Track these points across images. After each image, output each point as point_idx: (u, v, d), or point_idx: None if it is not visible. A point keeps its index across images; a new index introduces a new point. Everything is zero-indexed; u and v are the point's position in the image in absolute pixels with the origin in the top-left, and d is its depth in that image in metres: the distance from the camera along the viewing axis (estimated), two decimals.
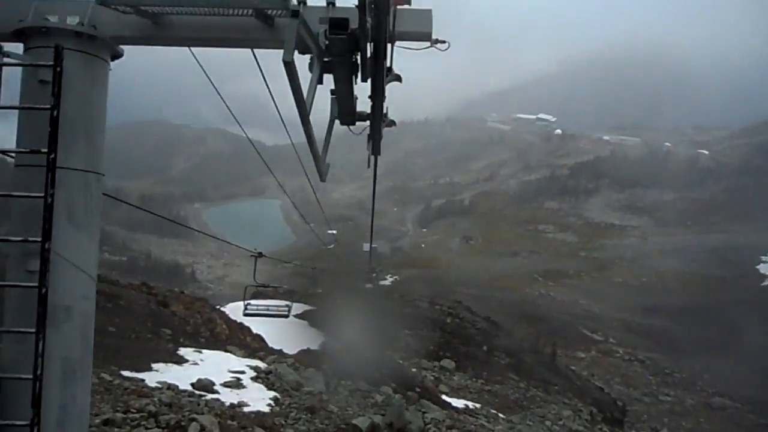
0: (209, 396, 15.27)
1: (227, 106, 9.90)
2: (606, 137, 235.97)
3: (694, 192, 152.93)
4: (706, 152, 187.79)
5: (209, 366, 18.59)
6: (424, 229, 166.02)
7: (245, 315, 15.03)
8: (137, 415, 11.04)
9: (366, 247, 50.04)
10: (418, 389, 20.65)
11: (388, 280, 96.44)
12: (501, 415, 23.33)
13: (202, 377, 16.56)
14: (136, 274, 60.46)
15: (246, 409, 14.95)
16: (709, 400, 53.03)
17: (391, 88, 3.64)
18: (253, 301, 15.72)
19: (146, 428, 10.42)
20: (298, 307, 38.85)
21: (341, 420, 15.89)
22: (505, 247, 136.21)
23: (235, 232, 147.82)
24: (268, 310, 15.42)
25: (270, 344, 26.81)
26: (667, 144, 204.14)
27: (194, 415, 11.59)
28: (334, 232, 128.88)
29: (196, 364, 18.67)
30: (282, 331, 30.10)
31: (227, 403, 15.00)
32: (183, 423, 11.09)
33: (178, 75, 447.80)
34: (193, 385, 15.96)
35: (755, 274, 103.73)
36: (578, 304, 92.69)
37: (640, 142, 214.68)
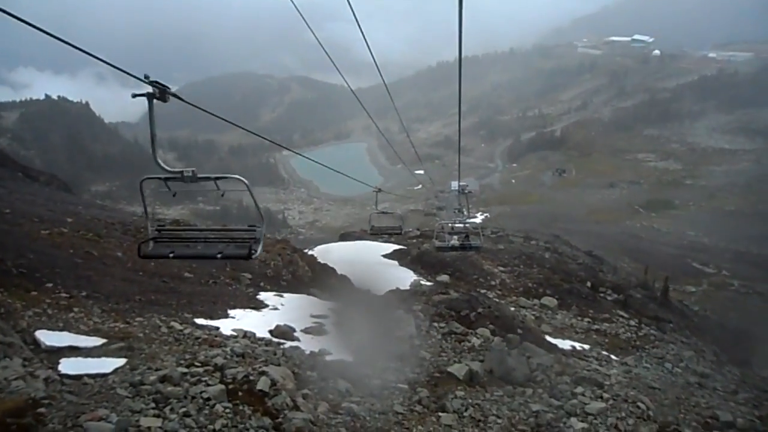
0: (288, 344, 13.89)
1: (326, 53, 9.00)
2: (712, 54, 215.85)
3: None
4: None
5: (290, 311, 17.33)
6: (514, 164, 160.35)
7: (370, 234, 19.54)
8: (201, 369, 9.60)
9: (454, 185, 47.73)
10: (519, 331, 18.55)
11: (479, 218, 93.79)
12: (613, 356, 20.92)
13: (281, 323, 15.27)
14: (230, 222, 61.07)
15: (328, 358, 13.47)
16: None
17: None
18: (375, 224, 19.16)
19: (207, 384, 8.97)
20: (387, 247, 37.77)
21: (435, 368, 14.17)
22: (602, 178, 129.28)
23: (323, 176, 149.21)
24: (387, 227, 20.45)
25: (357, 285, 25.37)
26: None
27: (264, 369, 10.07)
28: (422, 172, 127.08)
29: (277, 309, 17.45)
30: (370, 271, 28.77)
31: (307, 352, 13.55)
32: (252, 377, 9.57)
33: (260, 27, 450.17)
34: (271, 332, 14.67)
35: None
36: (686, 236, 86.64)
37: (751, 57, 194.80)
